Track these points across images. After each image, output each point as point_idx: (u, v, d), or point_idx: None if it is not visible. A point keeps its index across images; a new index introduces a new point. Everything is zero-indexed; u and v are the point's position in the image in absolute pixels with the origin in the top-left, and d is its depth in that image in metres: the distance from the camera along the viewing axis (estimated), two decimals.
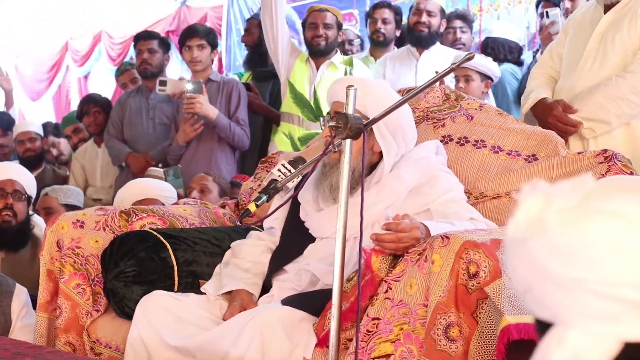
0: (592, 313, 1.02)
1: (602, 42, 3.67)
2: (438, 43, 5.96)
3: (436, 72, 2.98)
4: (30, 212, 4.91)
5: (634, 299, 1.00)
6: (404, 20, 6.58)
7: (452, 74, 5.28)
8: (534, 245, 1.05)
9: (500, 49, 6.13)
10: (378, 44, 6.37)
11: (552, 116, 3.66)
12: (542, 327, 1.09)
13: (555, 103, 3.70)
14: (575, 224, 1.02)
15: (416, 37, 5.90)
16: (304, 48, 6.00)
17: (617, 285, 1.00)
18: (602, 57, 3.66)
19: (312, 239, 3.12)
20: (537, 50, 5.92)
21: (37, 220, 5.01)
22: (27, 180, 4.74)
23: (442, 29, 6.03)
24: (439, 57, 5.72)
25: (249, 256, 3.18)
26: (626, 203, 1.01)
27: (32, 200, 4.86)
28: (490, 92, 5.35)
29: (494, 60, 5.58)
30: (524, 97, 3.97)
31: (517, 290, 1.12)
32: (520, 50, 6.37)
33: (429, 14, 5.84)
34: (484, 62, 5.23)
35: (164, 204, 4.51)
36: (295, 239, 3.14)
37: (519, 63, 6.17)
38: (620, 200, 1.02)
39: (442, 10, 6.00)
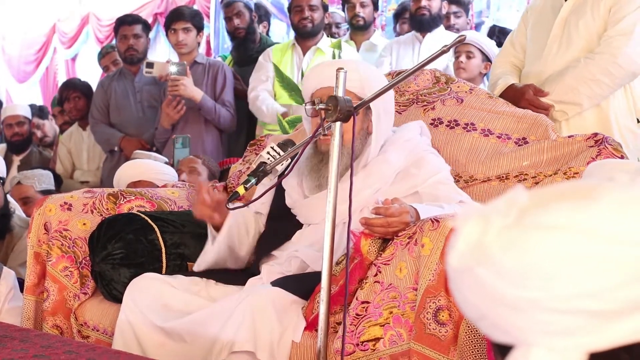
0: (552, 330, 1.00)
1: (566, 27, 3.71)
2: (442, 26, 5.97)
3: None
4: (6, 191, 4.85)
5: (591, 308, 0.98)
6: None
7: (452, 50, 5.30)
8: (481, 272, 1.02)
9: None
10: (358, 28, 6.36)
11: (524, 100, 3.67)
12: (502, 350, 1.07)
13: (526, 87, 3.72)
14: (517, 244, 1.00)
15: (418, 21, 5.93)
16: (291, 34, 5.98)
17: (572, 298, 0.98)
18: (567, 42, 3.70)
19: (300, 225, 3.10)
20: None
21: (14, 204, 4.95)
22: None
23: (444, 11, 6.03)
24: (441, 40, 5.72)
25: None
26: (561, 213, 1.00)
27: (4, 180, 4.75)
28: (484, 78, 5.35)
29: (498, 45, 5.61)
30: (491, 85, 4.00)
31: (469, 318, 1.11)
32: None
33: None
34: (487, 43, 5.27)
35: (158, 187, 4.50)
36: (282, 225, 3.13)
37: None
38: (554, 211, 1.00)
39: None
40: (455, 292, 1.10)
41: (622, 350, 0.99)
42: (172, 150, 5.40)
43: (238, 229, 3.15)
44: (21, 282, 3.61)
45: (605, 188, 1.01)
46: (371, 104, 2.92)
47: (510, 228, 1.02)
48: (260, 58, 5.86)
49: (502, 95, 3.78)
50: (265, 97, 5.66)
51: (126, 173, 4.63)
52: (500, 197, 1.07)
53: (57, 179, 5.96)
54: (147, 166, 4.76)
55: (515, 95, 3.71)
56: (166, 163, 5.14)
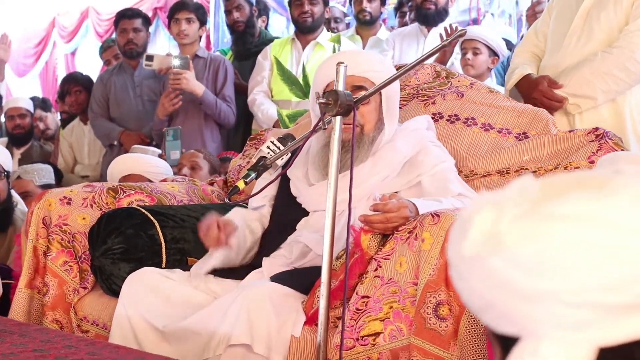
0: (564, 322, 0.99)
1: (588, 19, 3.65)
2: (447, 21, 5.96)
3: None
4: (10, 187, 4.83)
5: (604, 302, 0.97)
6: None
7: (458, 47, 5.31)
8: (495, 262, 1.01)
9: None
10: (365, 23, 6.35)
11: (537, 91, 3.64)
12: (504, 341, 1.06)
13: (541, 78, 3.68)
14: (532, 234, 0.99)
15: (423, 15, 5.91)
16: (291, 29, 5.97)
17: (585, 291, 0.97)
18: (587, 34, 3.64)
19: (305, 214, 3.11)
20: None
21: (17, 197, 4.94)
22: (1, 156, 4.63)
23: (450, 6, 6.02)
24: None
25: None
26: (577, 202, 0.98)
27: (10, 174, 4.74)
28: (493, 72, 5.34)
29: None
30: (508, 73, 3.96)
31: (472, 308, 1.09)
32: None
33: None
34: (494, 37, 5.28)
35: (150, 180, 4.48)
36: (289, 216, 3.13)
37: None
38: (570, 200, 0.99)
39: None
40: (460, 282, 1.08)
41: (635, 345, 0.98)
42: (163, 143, 5.40)
43: (244, 237, 3.14)
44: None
45: (620, 180, 1.00)
46: (382, 92, 2.95)
47: (525, 217, 1.01)
48: (259, 57, 5.86)
49: (516, 86, 3.77)
50: (261, 101, 5.67)
51: (117, 167, 4.61)
52: (511, 185, 1.06)
53: (58, 174, 5.95)
54: (137, 160, 4.73)
55: (530, 86, 3.69)
56: (159, 156, 5.14)
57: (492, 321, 1.06)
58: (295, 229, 3.09)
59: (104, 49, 7.58)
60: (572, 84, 3.61)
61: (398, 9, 7.17)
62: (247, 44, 6.31)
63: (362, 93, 2.83)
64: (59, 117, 7.87)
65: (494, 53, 5.24)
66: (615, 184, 0.99)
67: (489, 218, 1.03)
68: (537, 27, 4.02)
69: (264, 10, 7.25)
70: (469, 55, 5.18)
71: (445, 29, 5.46)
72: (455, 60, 5.54)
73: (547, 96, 3.62)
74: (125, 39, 6.18)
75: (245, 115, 5.99)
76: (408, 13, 6.80)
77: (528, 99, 3.67)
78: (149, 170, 4.59)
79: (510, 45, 6.24)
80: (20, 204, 4.88)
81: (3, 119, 7.66)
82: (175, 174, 4.83)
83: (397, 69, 3.11)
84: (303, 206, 3.12)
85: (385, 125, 3.09)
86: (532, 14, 5.25)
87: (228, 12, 6.37)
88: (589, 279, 0.97)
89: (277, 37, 6.43)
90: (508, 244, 1.00)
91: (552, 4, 3.97)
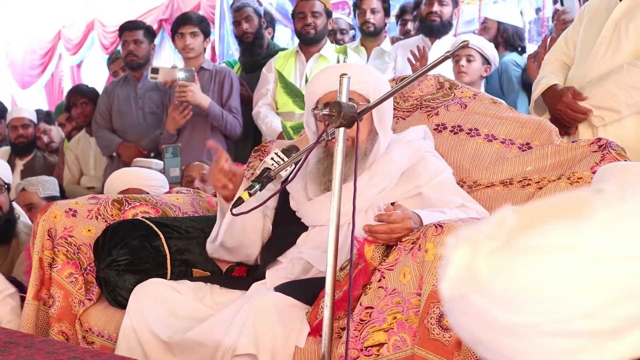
0: (550, 352, 0.99)
1: (616, 30, 3.64)
2: (451, 34, 5.97)
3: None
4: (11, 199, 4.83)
5: (588, 329, 0.97)
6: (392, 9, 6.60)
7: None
8: (475, 299, 1.01)
9: (510, 37, 6.08)
10: (369, 35, 6.37)
11: (562, 103, 3.65)
12: None
13: (565, 90, 3.69)
14: (508, 268, 0.99)
15: (428, 27, 5.93)
16: (296, 40, 6.00)
17: (568, 320, 0.97)
18: (615, 45, 3.63)
19: (305, 228, 3.11)
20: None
21: (19, 210, 4.95)
22: (1, 168, 4.63)
23: (454, 18, 6.04)
24: (449, 46, 5.71)
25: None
26: (550, 234, 0.98)
27: (9, 186, 4.74)
28: (483, 81, 5.37)
29: (504, 46, 5.63)
30: (535, 83, 3.95)
31: (465, 342, 1.10)
32: (522, 35, 6.37)
33: (441, 3, 5.87)
34: (487, 47, 5.31)
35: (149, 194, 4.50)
36: (288, 229, 3.14)
37: (523, 50, 6.11)
38: (543, 232, 0.99)
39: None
40: (449, 317, 1.09)
41: None
42: (163, 160, 5.41)
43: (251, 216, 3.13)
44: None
45: (593, 204, 1.00)
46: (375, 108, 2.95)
47: (500, 252, 1.01)
48: (264, 69, 5.88)
49: (542, 96, 3.78)
50: (265, 114, 5.69)
51: (115, 182, 4.64)
52: (489, 218, 1.06)
53: (60, 190, 5.94)
54: (134, 174, 4.76)
55: (554, 97, 3.70)
56: (160, 171, 5.16)
57: (484, 354, 1.06)
58: (294, 243, 3.09)
59: (111, 61, 7.62)
60: (597, 96, 3.61)
61: (400, 16, 7.19)
62: (256, 55, 6.33)
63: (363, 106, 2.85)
64: (63, 134, 7.89)
65: (487, 61, 5.27)
66: (587, 210, 0.99)
67: (465, 255, 1.03)
68: (567, 35, 4.01)
69: (270, 23, 7.28)
70: (463, 62, 5.23)
71: (412, 51, 5.49)
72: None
73: (572, 108, 3.62)
74: (126, 51, 6.23)
75: (253, 127, 6.01)
76: (411, 22, 6.81)
77: (553, 110, 3.68)
78: (148, 184, 4.61)
79: (521, 33, 6.22)
80: (22, 216, 4.89)
81: (6, 130, 7.68)
82: (183, 186, 4.85)
83: (399, 81, 3.13)
84: (302, 220, 3.13)
85: (379, 135, 3.09)
86: (561, 22, 5.25)
87: (237, 23, 6.39)
88: (569, 309, 0.97)
89: (285, 49, 6.45)
90: (484, 280, 1.00)
91: (584, 12, 3.95)
